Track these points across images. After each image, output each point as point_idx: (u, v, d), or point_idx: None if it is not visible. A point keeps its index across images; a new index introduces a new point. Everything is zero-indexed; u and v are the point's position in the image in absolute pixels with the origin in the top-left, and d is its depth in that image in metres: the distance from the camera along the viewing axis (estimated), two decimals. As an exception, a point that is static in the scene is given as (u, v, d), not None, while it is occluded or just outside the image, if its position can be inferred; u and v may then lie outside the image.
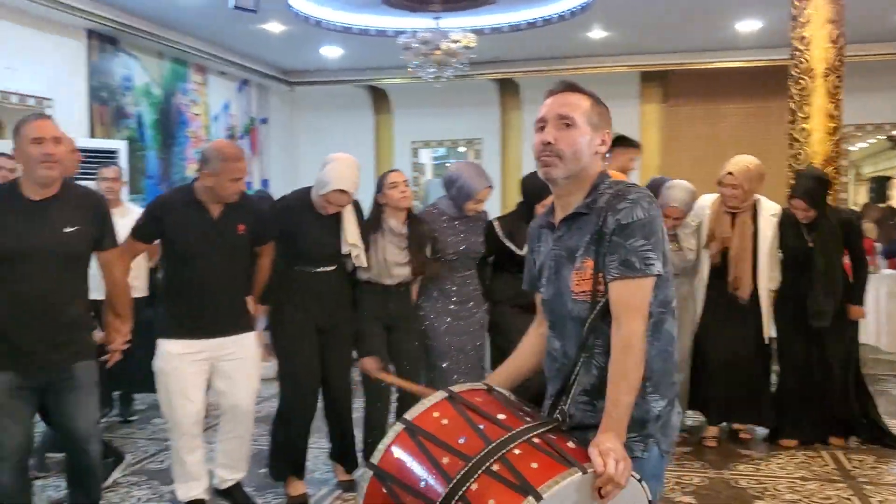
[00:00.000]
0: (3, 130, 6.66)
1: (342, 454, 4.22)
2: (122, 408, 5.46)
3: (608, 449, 1.71)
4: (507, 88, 10.80)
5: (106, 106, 7.82)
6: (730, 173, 4.59)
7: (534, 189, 4.10)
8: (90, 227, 3.14)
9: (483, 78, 10.27)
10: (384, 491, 1.79)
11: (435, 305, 4.19)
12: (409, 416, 1.87)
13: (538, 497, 1.59)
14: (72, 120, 7.23)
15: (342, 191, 3.81)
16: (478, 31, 7.82)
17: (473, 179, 4.13)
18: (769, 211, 4.71)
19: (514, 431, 1.74)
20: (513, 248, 4.17)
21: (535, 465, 1.67)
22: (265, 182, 10.62)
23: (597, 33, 8.72)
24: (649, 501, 1.83)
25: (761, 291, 4.66)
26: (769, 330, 4.73)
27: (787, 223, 4.70)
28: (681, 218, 4.61)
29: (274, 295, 3.92)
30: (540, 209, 4.03)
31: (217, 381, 3.66)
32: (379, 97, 11.37)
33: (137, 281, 5.08)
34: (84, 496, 3.33)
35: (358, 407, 4.29)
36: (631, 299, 1.84)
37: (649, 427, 1.91)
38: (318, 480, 4.29)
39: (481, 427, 1.78)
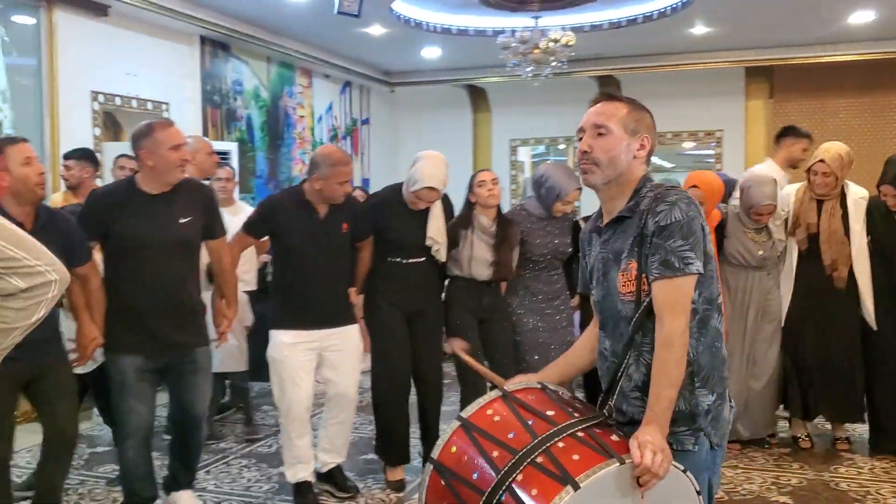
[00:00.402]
0: (122, 133, 7.08)
1: (430, 441, 4.35)
2: (234, 396, 5.72)
3: (646, 441, 1.79)
4: (608, 85, 10.70)
5: (218, 109, 8.20)
6: (822, 161, 4.47)
7: None
8: (201, 218, 3.41)
9: (583, 75, 10.22)
10: (443, 483, 1.93)
11: (522, 302, 4.30)
12: (465, 413, 2.02)
13: (576, 486, 1.70)
14: (186, 123, 7.62)
15: (431, 188, 3.95)
16: (577, 29, 7.81)
17: (562, 181, 4.19)
18: (857, 195, 4.55)
19: (559, 426, 1.86)
20: None
21: (576, 457, 1.79)
22: (366, 181, 10.89)
23: (699, 29, 8.56)
24: (697, 492, 1.88)
25: (859, 276, 4.48)
26: (872, 318, 4.51)
27: (876, 211, 4.52)
28: (773, 212, 4.53)
29: (367, 285, 4.08)
30: None
31: (323, 370, 3.85)
32: (477, 96, 11.48)
33: (248, 275, 5.34)
34: (186, 473, 3.64)
35: (455, 399, 4.39)
36: (672, 298, 1.92)
37: (699, 421, 1.99)
38: (417, 469, 4.42)
39: (530, 423, 1.90)
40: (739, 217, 4.54)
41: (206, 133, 7.93)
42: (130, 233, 3.24)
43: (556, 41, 7.08)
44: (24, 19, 6.28)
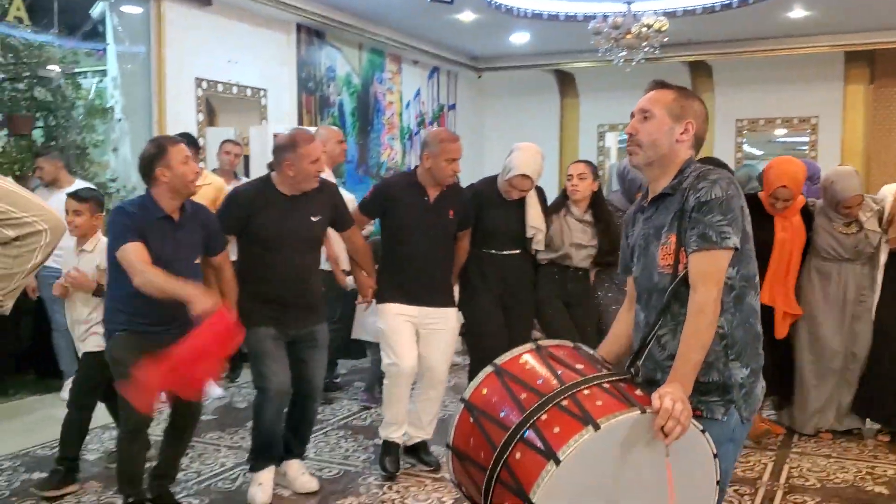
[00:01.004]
0: (216, 118, 7.35)
1: None
2: (328, 372, 5.92)
3: (667, 392, 1.88)
4: (699, 71, 10.53)
5: (312, 96, 8.43)
6: None
7: None
8: (329, 215, 3.74)
9: (674, 60, 10.08)
10: (471, 420, 2.06)
11: (609, 292, 4.36)
12: (498, 361, 2.13)
13: (597, 427, 1.80)
14: (282, 109, 7.88)
15: (525, 176, 4.07)
16: (670, 14, 7.71)
17: None
18: None
19: (587, 377, 1.96)
20: None
21: (599, 403, 1.88)
22: (453, 166, 10.99)
23: (797, 12, 8.34)
24: (714, 455, 1.94)
25: None
26: None
27: None
28: (861, 202, 4.43)
29: (463, 274, 4.24)
30: None
31: (418, 345, 4.01)
32: (565, 81, 11.44)
33: (344, 254, 5.51)
34: (298, 444, 3.90)
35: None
36: (707, 269, 2.00)
37: (732, 393, 2.08)
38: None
39: (559, 372, 2.00)
40: (826, 212, 4.47)
41: (300, 119, 8.17)
42: (267, 230, 3.57)
43: (648, 26, 7.02)
44: (133, 9, 6.60)
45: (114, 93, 6.62)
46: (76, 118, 6.25)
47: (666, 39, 7.47)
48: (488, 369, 2.13)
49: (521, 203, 4.20)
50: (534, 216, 4.20)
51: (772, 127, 10.63)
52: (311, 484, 3.82)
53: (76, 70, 6.44)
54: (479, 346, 4.26)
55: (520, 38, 9.70)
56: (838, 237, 4.44)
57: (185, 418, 3.51)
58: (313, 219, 3.64)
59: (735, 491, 3.85)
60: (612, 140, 11.60)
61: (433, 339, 4.00)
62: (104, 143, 6.52)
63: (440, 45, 10.07)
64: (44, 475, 4.01)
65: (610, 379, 1.96)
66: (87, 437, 4.60)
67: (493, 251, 4.21)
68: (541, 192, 4.33)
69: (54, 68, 6.14)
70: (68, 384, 5.50)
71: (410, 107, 10.30)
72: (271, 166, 3.78)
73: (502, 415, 1.97)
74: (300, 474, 3.83)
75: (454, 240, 4.11)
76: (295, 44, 8.12)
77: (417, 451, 4.18)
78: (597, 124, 11.39)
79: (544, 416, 1.88)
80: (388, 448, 4.07)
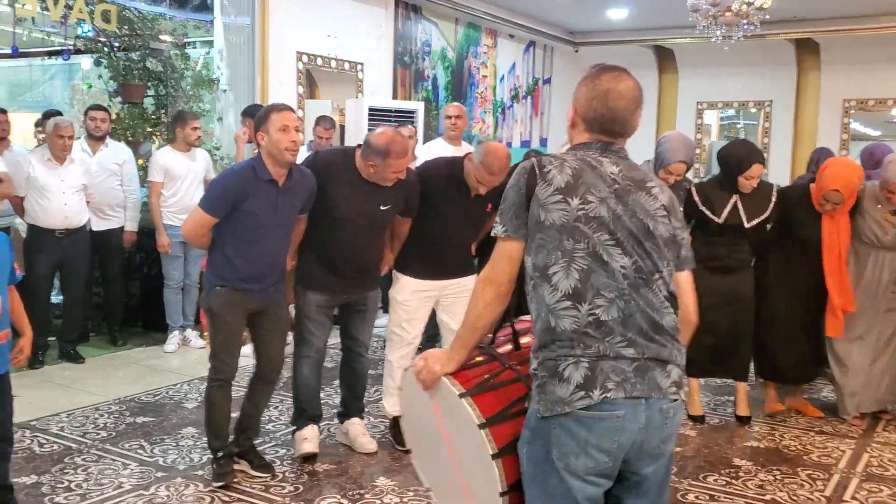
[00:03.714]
0: (317, 90, 7.58)
1: None
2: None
3: (424, 353, 2.18)
4: (805, 48, 10.19)
5: (407, 70, 8.59)
6: None
7: (732, 159, 4.24)
8: (400, 203, 3.82)
9: (778, 38, 9.78)
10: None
11: None
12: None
13: (406, 368, 2.32)
14: (379, 83, 8.06)
15: None
16: (774, -10, 7.52)
17: (671, 150, 4.22)
18: None
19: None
20: (708, 213, 4.29)
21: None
22: (543, 140, 11.01)
23: (912, -13, 7.99)
24: (479, 425, 2.00)
25: None
26: None
27: None
28: None
29: (481, 243, 4.28)
30: (742, 181, 4.10)
31: (440, 313, 4.15)
32: (664, 57, 11.25)
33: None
34: (355, 400, 4.12)
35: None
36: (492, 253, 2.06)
37: (533, 383, 1.98)
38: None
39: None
40: (876, 195, 4.37)
41: (395, 93, 8.33)
42: (339, 207, 3.68)
43: (749, 3, 6.86)
44: (240, -18, 6.85)
45: (219, 64, 6.91)
46: (184, 88, 6.59)
47: (767, 17, 7.29)
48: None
49: None
50: None
51: (883, 108, 10.20)
52: (370, 445, 3.99)
53: (185, 41, 6.76)
54: None
55: (617, 13, 9.60)
56: (881, 224, 4.35)
57: (268, 373, 3.72)
58: (383, 207, 3.72)
59: (808, 476, 3.84)
60: (711, 118, 11.37)
61: (455, 306, 4.03)
62: (210, 112, 6.84)
63: (537, 19, 10.05)
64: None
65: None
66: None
67: None
68: None
69: (166, 39, 6.49)
70: (172, 338, 5.89)
71: (505, 81, 10.34)
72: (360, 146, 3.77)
73: None
74: (360, 434, 4.01)
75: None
76: (392, 18, 8.27)
77: None
78: (696, 101, 11.18)
79: None
80: (398, 422, 4.02)
